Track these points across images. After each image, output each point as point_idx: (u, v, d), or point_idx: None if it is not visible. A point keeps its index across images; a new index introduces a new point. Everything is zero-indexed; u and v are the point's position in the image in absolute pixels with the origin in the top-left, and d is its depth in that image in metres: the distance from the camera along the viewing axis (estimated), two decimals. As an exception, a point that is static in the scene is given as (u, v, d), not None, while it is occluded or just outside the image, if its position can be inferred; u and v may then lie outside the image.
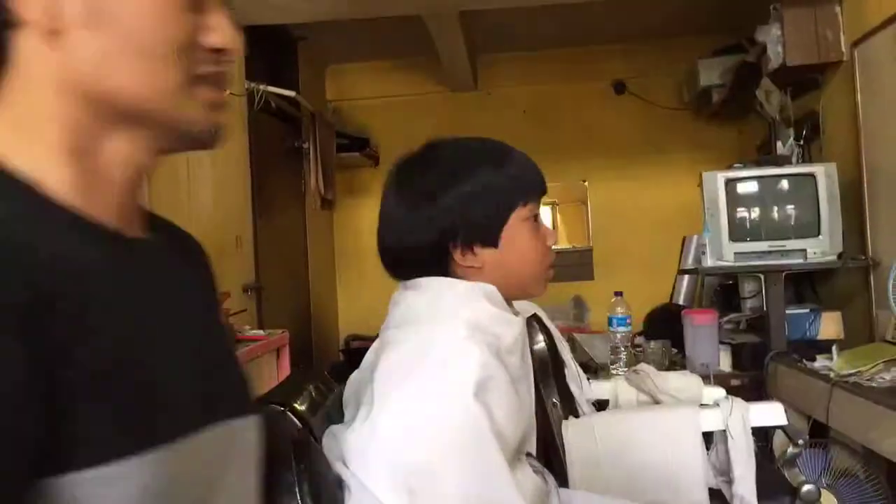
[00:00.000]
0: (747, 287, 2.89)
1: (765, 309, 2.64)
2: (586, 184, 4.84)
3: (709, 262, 2.62)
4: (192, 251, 0.73)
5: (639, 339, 2.73)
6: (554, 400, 1.86)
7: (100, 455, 0.46)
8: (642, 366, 2.07)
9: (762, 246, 2.56)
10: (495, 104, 4.78)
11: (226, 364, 0.67)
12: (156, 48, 0.55)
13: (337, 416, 1.06)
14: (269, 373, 2.26)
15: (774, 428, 1.83)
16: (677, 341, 2.62)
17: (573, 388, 1.94)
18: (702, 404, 1.86)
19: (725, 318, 2.81)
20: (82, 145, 0.54)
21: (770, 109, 3.02)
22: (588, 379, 2.08)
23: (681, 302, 3.40)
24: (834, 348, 2.24)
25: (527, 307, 2.06)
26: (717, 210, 2.61)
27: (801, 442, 1.76)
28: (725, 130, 4.47)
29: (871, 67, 2.57)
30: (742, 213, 2.65)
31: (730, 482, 1.75)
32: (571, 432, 1.76)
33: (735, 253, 2.58)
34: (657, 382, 1.95)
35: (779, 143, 3.02)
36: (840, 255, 2.52)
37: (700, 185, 2.67)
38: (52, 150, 0.53)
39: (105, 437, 0.47)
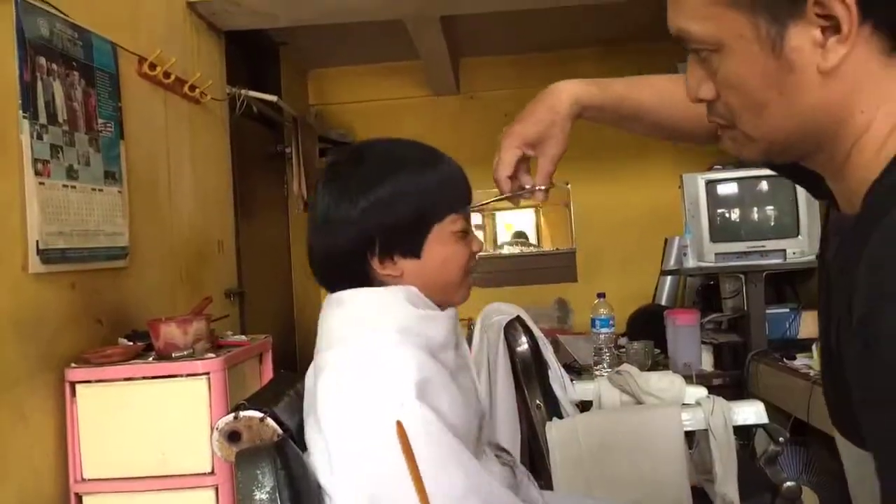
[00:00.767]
0: (728, 287, 2.92)
1: (745, 309, 2.66)
2: (569, 186, 4.86)
3: (690, 262, 2.64)
4: None
5: (622, 340, 2.74)
6: (538, 402, 1.86)
7: None
8: (625, 366, 2.08)
9: (742, 246, 2.59)
10: (477, 108, 4.79)
11: None
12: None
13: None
14: (253, 378, 2.25)
15: (756, 426, 1.85)
16: (660, 342, 2.64)
17: (556, 389, 1.95)
18: (684, 404, 1.87)
19: (707, 318, 2.83)
20: None
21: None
22: (571, 380, 2.09)
23: (663, 303, 3.42)
24: (814, 347, 2.26)
25: (510, 310, 2.07)
26: (697, 211, 2.63)
27: (781, 440, 1.77)
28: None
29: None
30: (722, 214, 2.67)
31: (712, 480, 1.76)
32: (555, 433, 1.77)
33: (716, 254, 2.60)
34: (640, 383, 1.96)
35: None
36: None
37: (681, 186, 2.69)
38: None
39: None
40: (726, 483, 1.72)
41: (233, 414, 0.97)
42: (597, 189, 4.73)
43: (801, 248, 2.55)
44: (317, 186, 1.02)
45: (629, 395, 2.00)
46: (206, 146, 3.01)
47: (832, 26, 0.58)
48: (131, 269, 2.28)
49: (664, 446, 1.72)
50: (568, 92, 1.04)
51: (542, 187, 1.02)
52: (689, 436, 1.84)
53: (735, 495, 1.71)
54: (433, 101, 4.80)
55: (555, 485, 1.69)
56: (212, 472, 1.86)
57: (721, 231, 2.64)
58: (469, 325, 4.33)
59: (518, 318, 1.98)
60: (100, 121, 2.15)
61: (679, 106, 0.94)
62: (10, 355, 1.75)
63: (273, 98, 3.54)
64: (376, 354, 0.90)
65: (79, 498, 1.87)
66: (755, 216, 2.65)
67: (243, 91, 3.33)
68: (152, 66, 2.47)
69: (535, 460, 1.82)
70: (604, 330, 2.41)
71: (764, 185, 2.65)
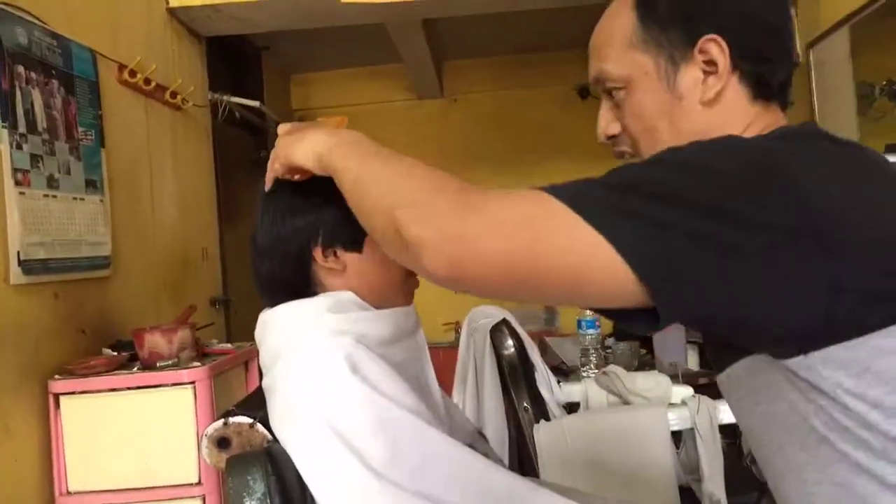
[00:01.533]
0: (713, 286, 2.93)
1: (730, 307, 2.68)
2: (553, 188, 4.88)
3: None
4: None
5: (608, 341, 2.75)
6: (525, 404, 1.87)
7: None
8: (612, 367, 2.09)
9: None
10: (461, 110, 4.80)
11: None
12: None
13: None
14: (238, 386, 2.23)
15: (742, 424, 1.86)
16: (646, 342, 2.65)
17: (544, 391, 1.96)
18: (670, 403, 1.88)
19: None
20: None
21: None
22: (559, 382, 2.09)
23: (649, 303, 3.43)
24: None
25: (496, 313, 2.07)
26: (680, 211, 2.65)
27: (767, 437, 1.78)
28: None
29: (826, 68, 2.63)
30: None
31: (699, 479, 1.77)
32: (543, 435, 1.78)
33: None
34: (626, 383, 1.97)
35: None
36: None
37: (664, 186, 2.71)
38: None
39: None
40: (713, 482, 1.73)
41: (222, 420, 0.97)
42: (581, 190, 4.74)
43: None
44: (259, 208, 1.03)
45: (616, 395, 2.01)
46: (189, 153, 2.99)
47: (711, 71, 0.77)
48: (114, 279, 2.27)
49: (651, 446, 1.73)
50: None
51: None
52: (676, 435, 1.85)
53: (722, 494, 1.73)
54: (417, 104, 4.81)
55: (544, 487, 1.70)
56: (199, 483, 1.84)
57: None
58: (455, 329, 4.33)
59: (504, 321, 1.98)
60: (80, 129, 2.14)
61: None
62: (-8, 368, 1.73)
63: (255, 104, 3.53)
64: (309, 365, 0.91)
65: (64, 511, 1.85)
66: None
67: (225, 97, 3.32)
68: (133, 73, 2.46)
69: (524, 462, 1.83)
70: (590, 331, 2.42)
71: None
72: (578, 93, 4.75)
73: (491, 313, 2.08)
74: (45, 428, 1.86)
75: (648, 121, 0.80)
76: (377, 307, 1.01)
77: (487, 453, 1.12)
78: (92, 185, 2.17)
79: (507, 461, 1.88)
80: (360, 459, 0.85)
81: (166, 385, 1.87)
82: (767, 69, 0.78)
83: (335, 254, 0.99)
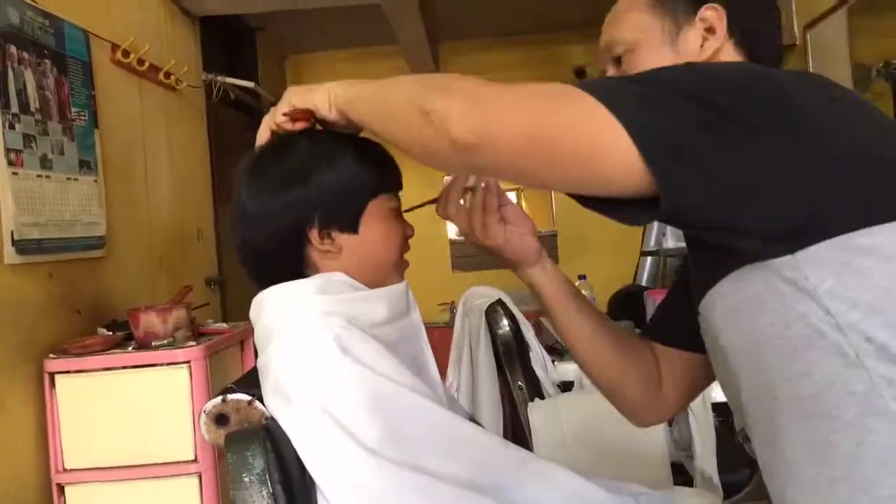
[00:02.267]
0: (707, 267, 2.94)
1: (724, 288, 2.69)
2: (549, 170, 4.87)
3: (670, 243, 2.66)
4: None
5: (603, 322, 2.76)
6: (519, 383, 1.88)
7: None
8: (606, 347, 2.09)
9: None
10: (457, 92, 4.77)
11: None
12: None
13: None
14: (234, 366, 2.24)
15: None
16: (640, 322, 2.66)
17: (538, 371, 1.97)
18: (664, 383, 1.89)
19: (686, 299, 2.86)
20: None
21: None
22: (553, 361, 2.10)
23: (643, 283, 3.45)
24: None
25: (491, 293, 2.08)
26: (676, 192, 2.65)
27: (759, 416, 1.80)
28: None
29: (824, 51, 2.62)
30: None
31: (692, 457, 1.79)
32: (537, 414, 1.79)
33: (694, 234, 2.61)
34: (620, 363, 1.98)
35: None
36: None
37: (660, 167, 2.71)
38: None
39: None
40: (705, 459, 1.74)
41: (220, 397, 0.97)
42: (577, 172, 4.74)
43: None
44: (239, 185, 1.02)
45: (610, 375, 2.02)
46: (183, 133, 2.98)
47: (709, 32, 0.86)
48: (109, 259, 2.26)
49: (644, 424, 1.74)
50: (536, 276, 1.18)
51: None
52: (669, 414, 1.87)
53: (714, 471, 1.74)
54: (412, 85, 4.78)
55: (537, 465, 1.71)
56: (195, 460, 1.86)
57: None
58: (451, 309, 4.34)
59: (499, 301, 1.99)
60: (73, 109, 2.12)
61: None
62: (-12, 347, 1.73)
63: (250, 84, 3.51)
64: (300, 346, 0.91)
65: (60, 488, 1.87)
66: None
67: (220, 78, 3.30)
68: (126, 54, 2.44)
69: (519, 440, 1.84)
70: (584, 311, 2.42)
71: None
72: (576, 75, 4.73)
73: (486, 293, 2.09)
74: (40, 407, 1.87)
75: None
76: (370, 287, 1.01)
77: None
78: (86, 165, 2.17)
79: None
80: (354, 440, 0.86)
81: (161, 364, 1.88)
82: (758, 42, 0.88)
83: (330, 236, 0.99)
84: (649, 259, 3.48)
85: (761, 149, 0.64)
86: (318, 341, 0.90)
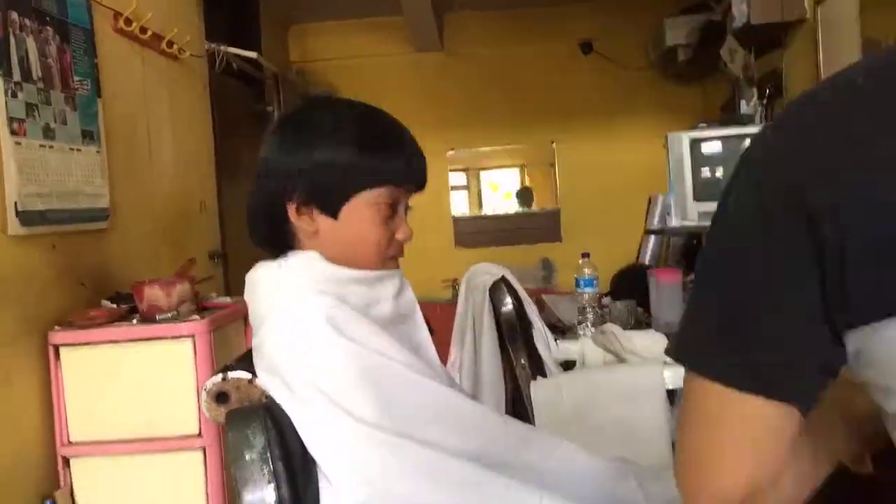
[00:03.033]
0: (711, 246, 2.93)
1: (728, 267, 2.67)
2: (554, 145, 4.84)
3: (674, 221, 2.64)
4: None
5: (605, 300, 2.76)
6: (522, 361, 1.88)
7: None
8: (608, 325, 2.09)
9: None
10: (461, 65, 4.73)
11: None
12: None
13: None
14: (238, 340, 2.24)
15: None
16: (643, 301, 2.66)
17: (541, 348, 1.97)
18: (666, 362, 1.89)
19: (690, 278, 2.85)
20: None
21: (734, 68, 3.03)
22: (555, 339, 2.10)
23: (647, 262, 3.44)
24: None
25: (495, 270, 2.07)
26: (681, 170, 2.63)
27: (761, 396, 1.80)
28: (690, 90, 4.48)
29: (834, 26, 2.58)
30: (706, 172, 2.67)
31: (693, 437, 1.79)
32: (539, 392, 1.79)
33: (699, 212, 2.59)
34: (623, 341, 1.98)
35: (742, 103, 3.04)
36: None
37: (665, 145, 2.68)
38: None
39: None
40: (707, 439, 1.75)
41: (220, 375, 0.97)
42: (582, 148, 4.71)
43: (783, 208, 2.55)
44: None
45: (612, 353, 2.02)
46: (186, 104, 2.95)
47: None
48: (113, 231, 2.26)
49: (647, 404, 1.75)
50: None
51: None
52: (671, 393, 1.87)
53: (715, 450, 1.75)
54: (417, 57, 4.73)
55: (539, 442, 1.72)
56: (199, 434, 1.87)
57: (705, 190, 2.64)
58: (454, 286, 4.34)
59: (503, 278, 1.98)
60: (76, 78, 2.10)
61: None
62: (-8, 318, 1.73)
63: (253, 55, 3.47)
64: (292, 328, 0.92)
65: (66, 461, 1.88)
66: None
67: (222, 47, 3.26)
68: (128, 22, 2.41)
69: (520, 418, 1.84)
70: (588, 289, 2.41)
71: (748, 144, 2.64)
72: (581, 48, 4.68)
73: (490, 270, 2.08)
74: (45, 379, 1.87)
75: None
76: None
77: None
78: (89, 135, 2.15)
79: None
80: (351, 416, 0.86)
81: (166, 338, 1.88)
82: None
83: (311, 213, 0.98)
84: (652, 238, 3.47)
85: None
86: (311, 321, 0.90)
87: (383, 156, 0.99)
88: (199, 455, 1.86)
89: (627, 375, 1.86)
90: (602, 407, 1.76)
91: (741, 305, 0.56)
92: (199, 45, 3.08)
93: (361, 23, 4.64)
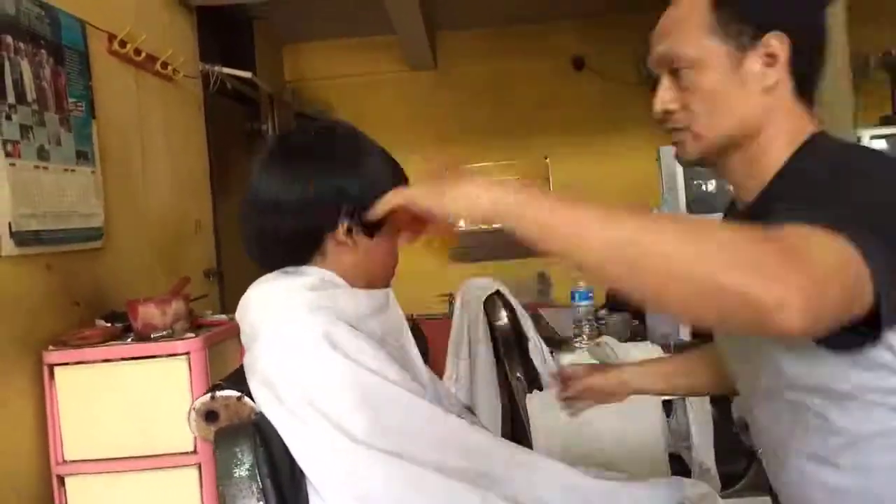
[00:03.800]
0: (705, 258, 2.94)
1: (722, 279, 2.69)
2: (548, 160, 4.86)
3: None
4: None
5: (601, 312, 2.76)
6: (518, 374, 1.88)
7: None
8: (604, 338, 2.10)
9: (718, 217, 2.60)
10: (454, 82, 4.76)
11: None
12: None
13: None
14: (233, 358, 2.24)
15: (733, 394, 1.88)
16: (638, 313, 2.66)
17: (537, 362, 1.97)
18: (661, 374, 1.89)
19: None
20: None
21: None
22: (552, 352, 2.11)
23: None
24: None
25: (489, 284, 2.08)
26: (674, 183, 2.65)
27: (757, 407, 1.80)
28: (682, 104, 4.51)
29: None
30: (699, 185, 2.69)
31: (689, 447, 1.80)
32: (535, 404, 1.80)
33: (692, 224, 2.61)
34: (619, 354, 1.98)
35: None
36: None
37: (658, 159, 2.71)
38: None
39: None
40: (703, 450, 1.75)
41: (209, 394, 0.98)
42: (576, 162, 4.73)
43: (776, 219, 2.57)
44: (264, 165, 1.02)
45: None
46: (181, 124, 2.97)
47: (770, 63, 0.88)
48: (107, 250, 2.26)
49: (642, 415, 1.75)
50: (632, 385, 1.29)
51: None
52: (667, 404, 1.88)
53: (711, 462, 1.75)
54: (410, 75, 4.76)
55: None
56: (194, 451, 1.86)
57: (697, 203, 2.66)
58: (449, 300, 4.34)
59: (497, 292, 1.99)
60: (70, 100, 2.12)
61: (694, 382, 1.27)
62: (-14, 339, 1.73)
63: (247, 74, 3.49)
64: (288, 341, 0.92)
65: (61, 479, 1.87)
66: (731, 187, 2.67)
67: (217, 68, 3.28)
68: (122, 44, 2.43)
69: (516, 431, 1.85)
70: (583, 303, 2.42)
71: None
72: (573, 64, 4.72)
73: (484, 285, 2.09)
74: (39, 398, 1.87)
75: (712, 101, 0.90)
76: (360, 287, 1.02)
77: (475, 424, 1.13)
78: (83, 156, 2.16)
79: (499, 430, 1.90)
80: (344, 432, 0.87)
81: (161, 356, 1.88)
82: (812, 71, 0.92)
83: (352, 230, 0.99)
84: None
85: None
86: (307, 337, 0.91)
87: (399, 175, 1.03)
88: (194, 472, 1.86)
89: (623, 387, 1.86)
90: (598, 418, 1.76)
91: None
92: (193, 66, 3.11)
93: (355, 42, 4.67)
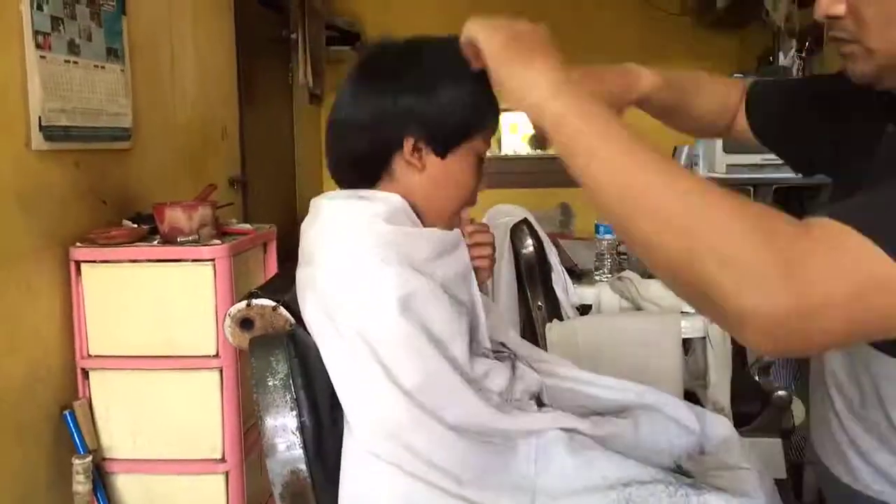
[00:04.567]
0: (735, 199, 2.90)
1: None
2: (580, 88, 4.74)
3: (700, 172, 2.61)
4: None
5: (623, 247, 2.74)
6: (539, 303, 1.88)
7: None
8: (626, 273, 2.09)
9: (755, 159, 2.54)
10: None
11: None
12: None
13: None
14: (257, 267, 2.26)
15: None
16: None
17: (559, 292, 1.97)
18: (683, 311, 1.89)
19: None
20: None
21: (776, 18, 2.93)
22: (572, 284, 2.10)
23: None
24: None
25: (517, 212, 2.06)
26: (712, 120, 2.57)
27: (776, 351, 1.80)
28: (727, 39, 4.35)
29: None
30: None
31: (705, 386, 1.81)
32: (554, 334, 1.80)
33: (727, 165, 2.56)
34: (640, 289, 1.98)
35: (780, 55, 2.96)
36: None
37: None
38: None
39: None
40: (719, 389, 1.76)
41: (245, 301, 0.98)
42: (608, 93, 4.60)
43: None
44: (342, 86, 1.00)
45: (629, 301, 2.02)
46: (210, 26, 2.90)
47: None
48: (135, 151, 2.25)
49: (661, 351, 1.76)
50: (646, 82, 1.13)
51: None
52: (686, 343, 1.88)
53: (727, 402, 1.76)
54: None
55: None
56: (216, 355, 1.90)
57: (735, 142, 2.59)
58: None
59: (525, 220, 1.98)
60: (101, -7, 2.06)
61: (708, 101, 1.17)
62: (16, 230, 1.74)
63: (279, -22, 3.39)
64: (356, 275, 0.90)
65: (85, 372, 1.92)
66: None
67: (248, -31, 3.18)
68: (155, -63, 2.35)
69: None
70: (607, 236, 2.40)
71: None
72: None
73: (511, 212, 2.07)
74: (66, 292, 1.90)
75: (887, 7, 0.74)
76: (423, 223, 1.00)
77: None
78: (113, 53, 2.12)
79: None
80: (390, 377, 0.87)
81: (186, 260, 1.89)
82: None
83: (420, 150, 0.98)
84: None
85: None
86: (374, 275, 0.89)
87: (488, 102, 0.99)
88: (215, 375, 1.90)
89: (643, 323, 1.87)
90: (616, 352, 1.77)
91: None
92: (224, -34, 3.01)
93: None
